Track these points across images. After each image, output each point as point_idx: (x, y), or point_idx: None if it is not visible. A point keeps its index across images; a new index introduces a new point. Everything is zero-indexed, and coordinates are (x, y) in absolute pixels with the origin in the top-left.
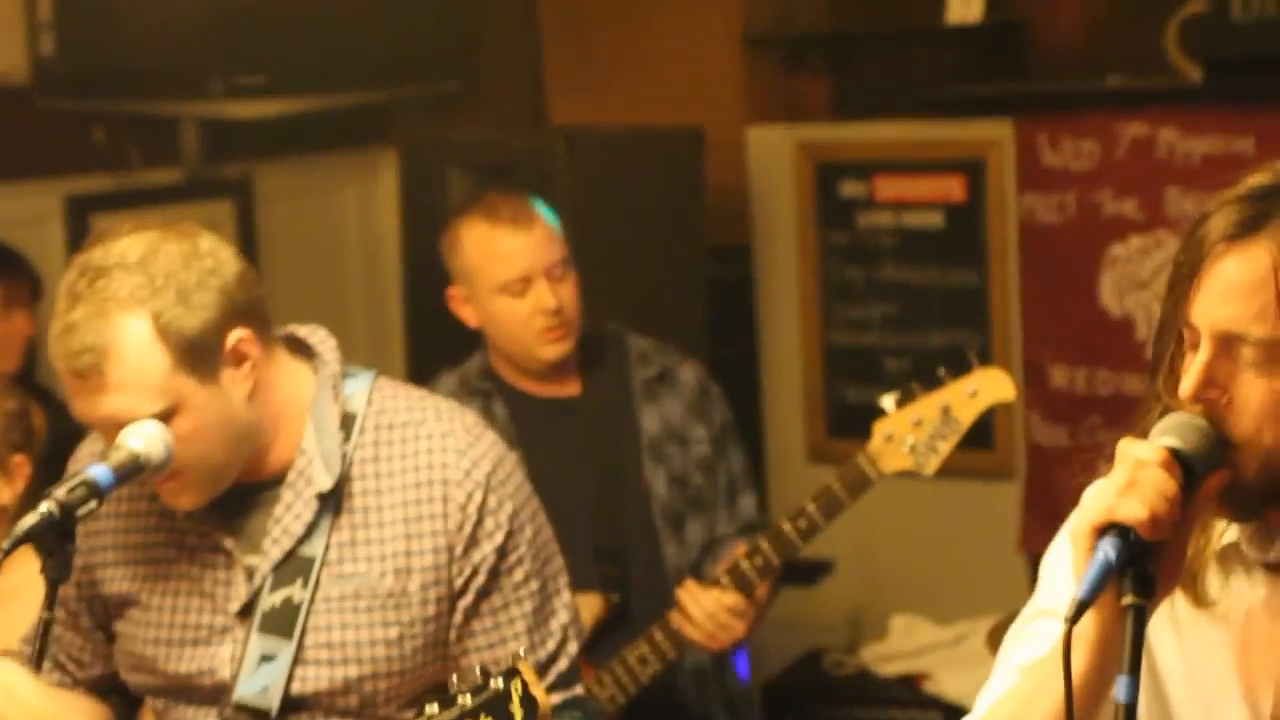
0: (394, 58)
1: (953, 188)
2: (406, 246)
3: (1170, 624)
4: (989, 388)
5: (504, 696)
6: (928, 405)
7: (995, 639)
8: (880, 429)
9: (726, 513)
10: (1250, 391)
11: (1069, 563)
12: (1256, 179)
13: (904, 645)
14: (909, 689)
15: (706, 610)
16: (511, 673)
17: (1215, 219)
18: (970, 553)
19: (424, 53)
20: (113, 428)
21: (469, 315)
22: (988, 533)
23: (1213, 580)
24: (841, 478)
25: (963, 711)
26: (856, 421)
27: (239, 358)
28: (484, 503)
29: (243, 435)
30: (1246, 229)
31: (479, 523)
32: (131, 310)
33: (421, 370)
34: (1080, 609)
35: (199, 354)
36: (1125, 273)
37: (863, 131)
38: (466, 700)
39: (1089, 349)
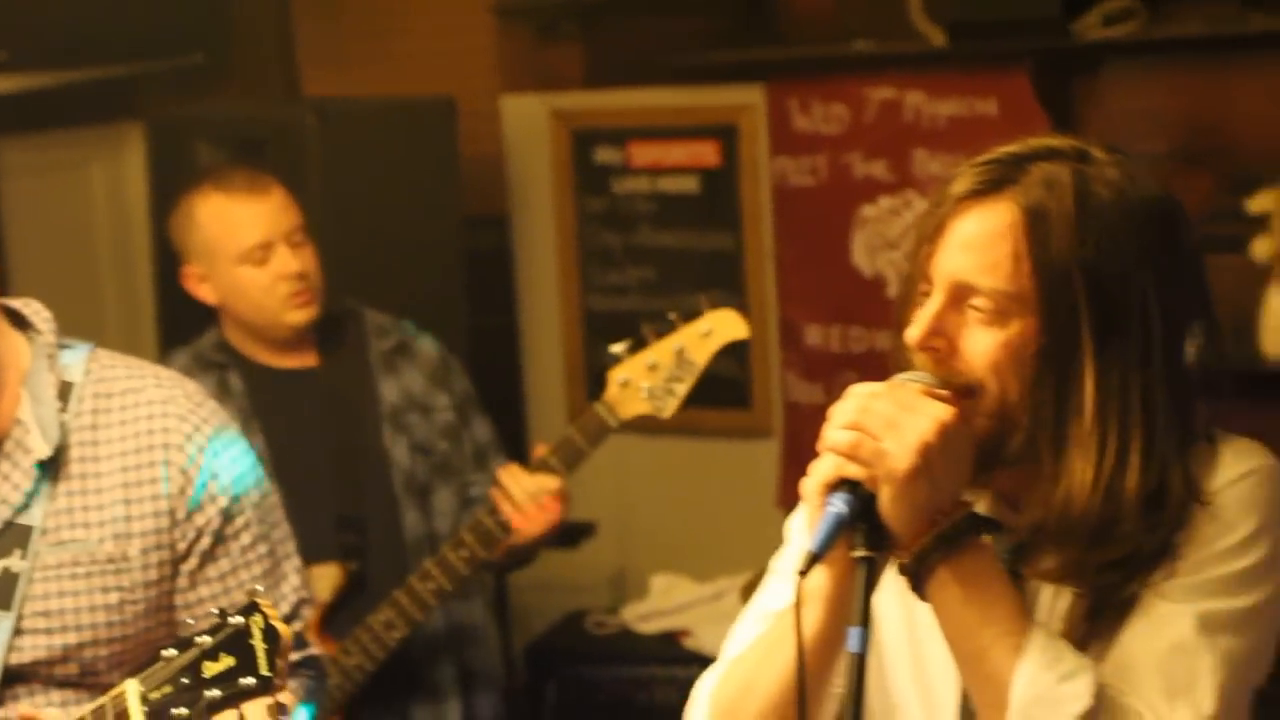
0: (140, 31)
1: (707, 153)
2: (156, 222)
3: (898, 601)
4: (722, 327)
5: (244, 632)
6: (661, 349)
7: (749, 594)
8: (615, 376)
9: (480, 476)
10: (978, 343)
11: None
12: (1007, 147)
13: (664, 603)
14: (670, 645)
15: (529, 490)
16: (251, 608)
17: (961, 179)
18: (730, 511)
19: (171, 25)
20: None
21: (207, 293)
22: (747, 491)
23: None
24: (580, 427)
25: None
26: (609, 363)
27: None
28: (206, 467)
29: None
30: (990, 188)
31: (201, 487)
32: None
33: (173, 347)
34: (812, 560)
35: None
36: (876, 233)
37: (616, 99)
38: (205, 640)
39: (842, 308)
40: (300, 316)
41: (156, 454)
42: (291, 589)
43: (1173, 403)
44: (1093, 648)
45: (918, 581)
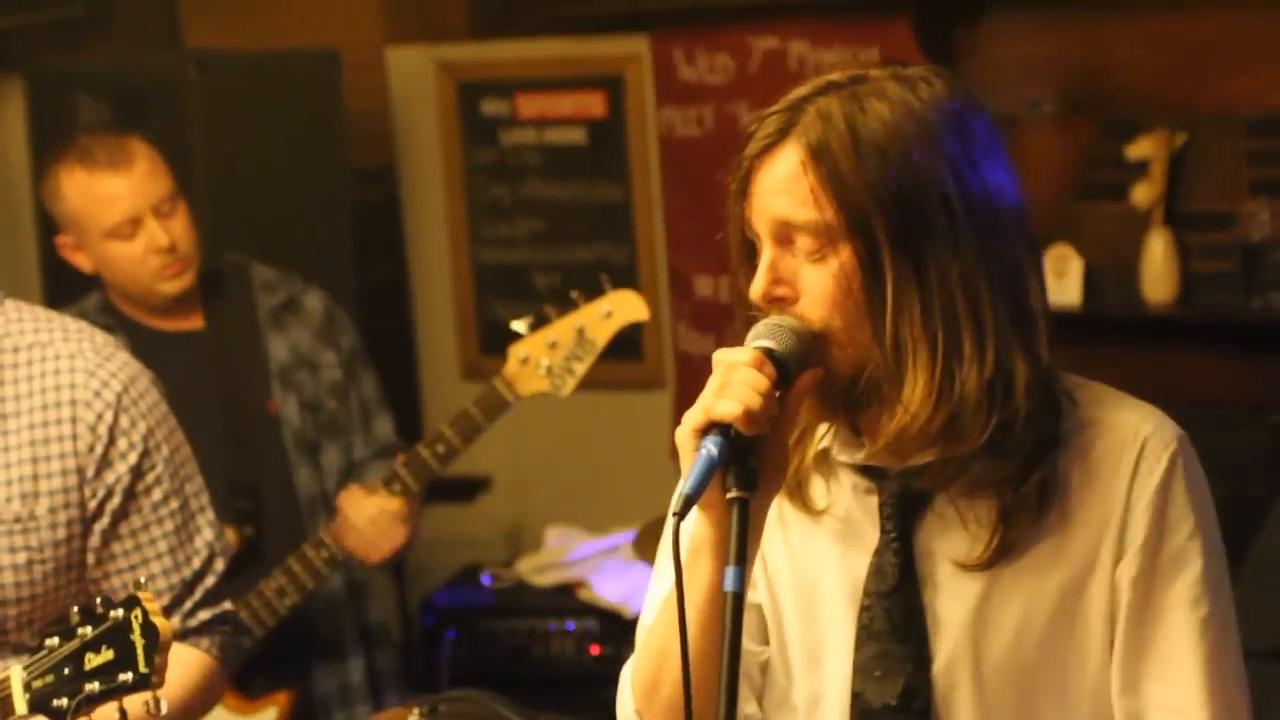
0: None
1: (593, 104)
2: (37, 176)
3: (779, 527)
4: (622, 308)
5: (124, 626)
6: (562, 328)
7: (642, 544)
8: (515, 352)
9: (363, 436)
10: (812, 281)
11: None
12: (787, 95)
13: (559, 555)
14: (565, 597)
15: (369, 515)
16: (131, 601)
17: (755, 137)
18: (623, 462)
19: None
20: None
21: (82, 261)
22: (640, 442)
23: (817, 486)
24: (479, 402)
25: (617, 616)
26: (508, 338)
27: None
28: (115, 423)
29: None
30: (777, 138)
31: (111, 443)
32: None
33: (59, 305)
34: (687, 503)
35: None
36: None
37: (502, 50)
38: (86, 631)
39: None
40: (173, 287)
41: (64, 410)
42: (204, 544)
43: (1000, 289)
44: (1020, 552)
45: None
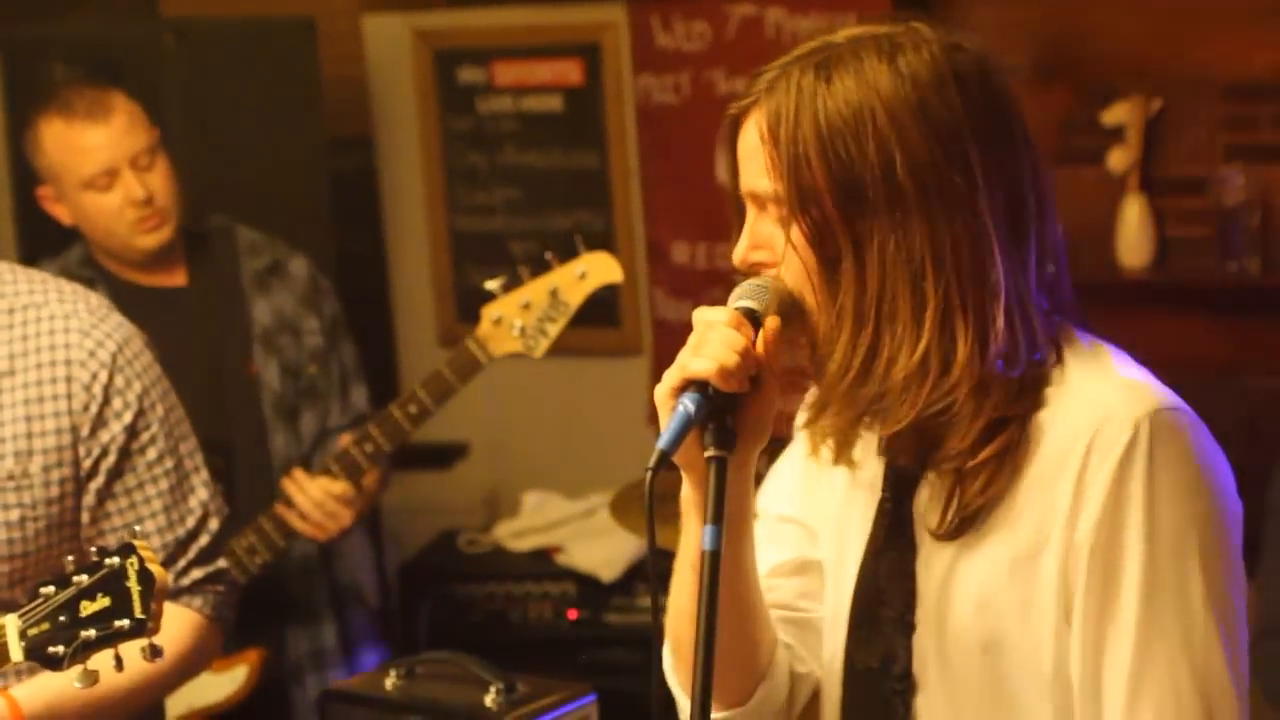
0: None
1: (570, 71)
2: (11, 144)
3: (829, 487)
4: (596, 270)
5: (120, 573)
6: (536, 288)
7: (618, 509)
8: (489, 313)
9: (339, 405)
10: (782, 247)
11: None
12: (793, 52)
13: (536, 520)
14: (542, 562)
15: (314, 499)
16: (127, 549)
17: (740, 101)
18: (601, 428)
19: None
20: None
21: (62, 213)
22: (617, 408)
23: (861, 444)
24: (451, 363)
25: (593, 580)
26: (484, 301)
27: None
28: (110, 382)
29: None
30: (751, 103)
31: (106, 403)
32: None
33: (34, 261)
34: (661, 457)
35: None
36: None
37: (478, 18)
38: (82, 579)
39: (708, 225)
40: (151, 240)
41: (59, 370)
42: (199, 503)
43: (952, 268)
44: (984, 523)
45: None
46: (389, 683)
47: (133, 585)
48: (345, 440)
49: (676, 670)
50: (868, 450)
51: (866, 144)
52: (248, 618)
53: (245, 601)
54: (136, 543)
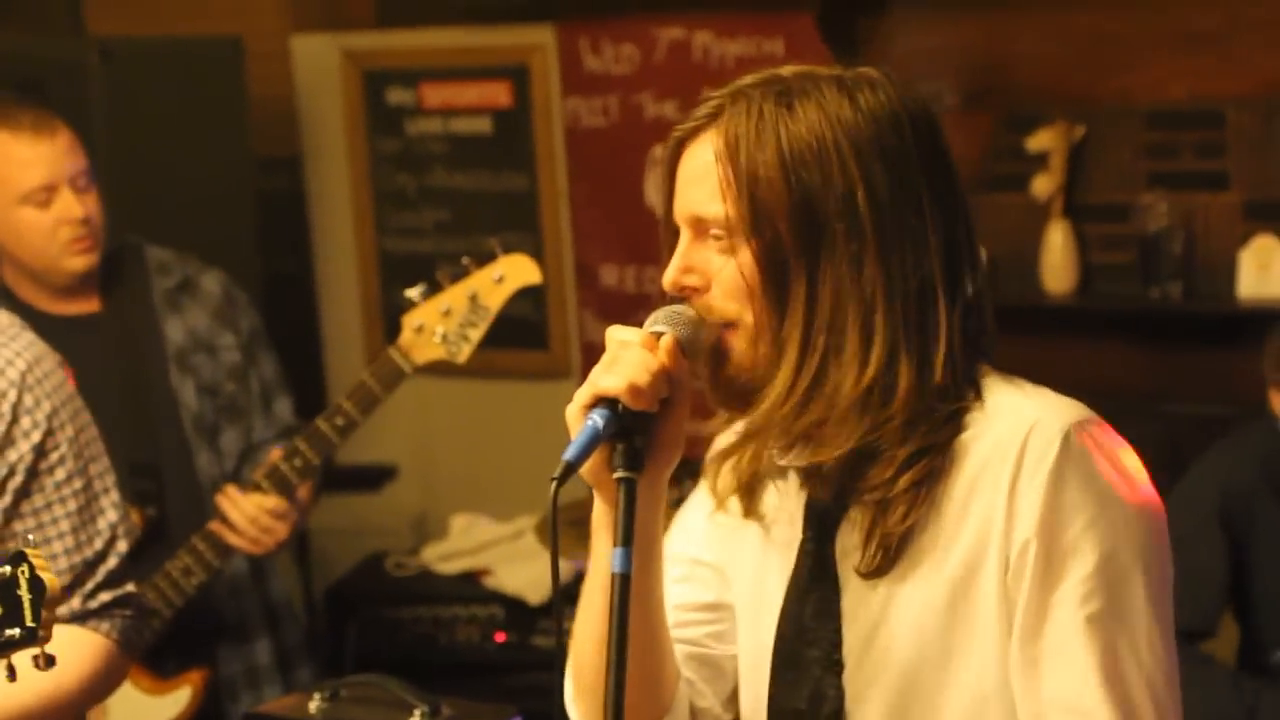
0: None
1: (499, 93)
2: None
3: (743, 529)
4: (514, 272)
5: (11, 582)
6: (455, 294)
7: (545, 532)
8: (410, 321)
9: (263, 419)
10: (723, 273)
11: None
12: (740, 80)
13: (464, 543)
14: (470, 584)
15: (248, 515)
16: (19, 557)
17: (685, 124)
18: (529, 451)
19: None
20: None
21: None
22: (545, 431)
23: (769, 492)
24: (375, 372)
25: (520, 603)
26: (404, 309)
27: None
28: (19, 401)
29: None
30: (704, 123)
31: (14, 421)
32: None
33: None
34: (567, 470)
35: None
36: None
37: (408, 39)
38: None
39: (636, 248)
40: (80, 263)
41: None
42: (107, 525)
43: (899, 301)
44: (913, 555)
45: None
46: (313, 706)
47: (24, 594)
48: (274, 455)
49: (577, 700)
50: (784, 492)
51: (831, 172)
52: (182, 639)
53: (178, 622)
54: (28, 550)
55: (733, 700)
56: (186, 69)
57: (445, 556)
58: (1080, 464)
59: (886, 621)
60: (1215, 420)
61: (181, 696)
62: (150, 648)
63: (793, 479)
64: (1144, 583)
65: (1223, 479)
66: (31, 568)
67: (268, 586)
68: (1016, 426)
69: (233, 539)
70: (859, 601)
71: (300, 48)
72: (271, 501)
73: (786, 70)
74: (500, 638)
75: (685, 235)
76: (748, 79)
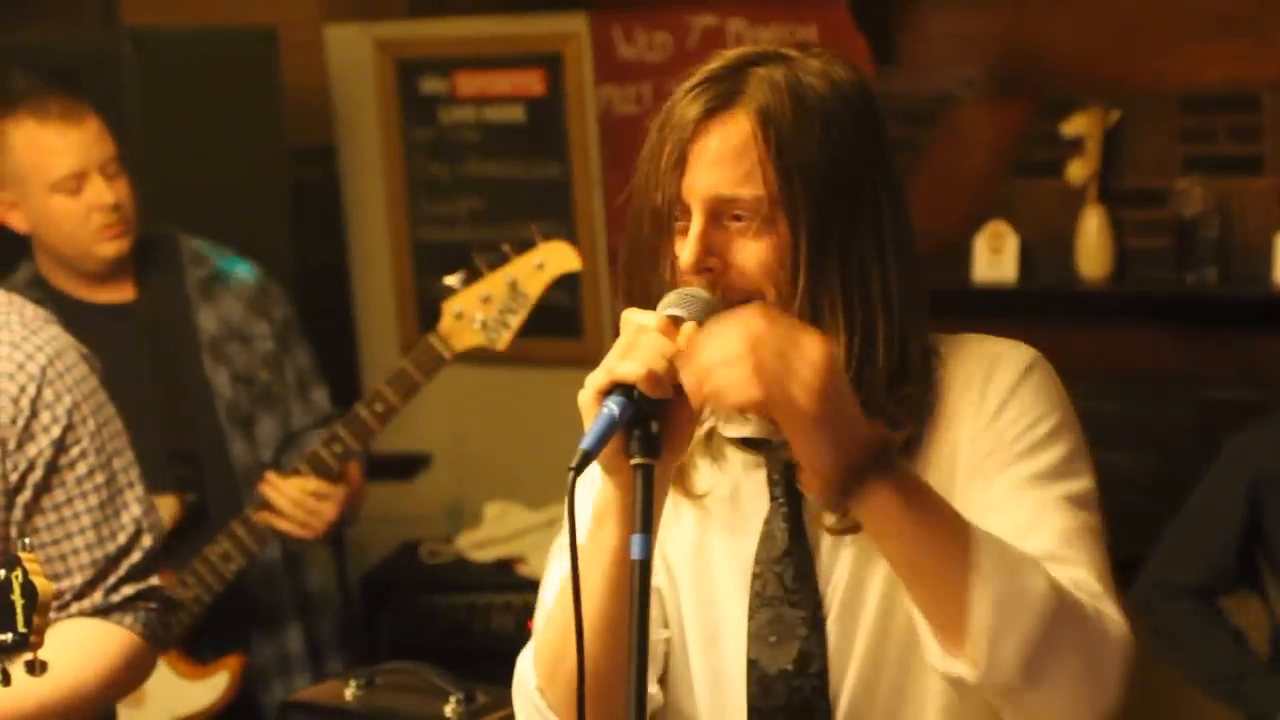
0: None
1: (532, 82)
2: None
3: (675, 510)
4: (554, 259)
5: (4, 586)
6: (495, 281)
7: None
8: (450, 308)
9: (301, 407)
10: (750, 254)
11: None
12: (717, 62)
13: (498, 531)
14: (504, 572)
15: (292, 498)
16: (13, 561)
17: (691, 103)
18: (562, 439)
19: None
20: None
21: (18, 221)
22: (580, 419)
23: (702, 470)
24: (414, 359)
25: None
26: (444, 297)
27: None
28: (38, 396)
29: None
30: (722, 103)
31: (33, 416)
32: None
33: None
34: (584, 459)
35: None
36: None
37: (441, 28)
38: None
39: None
40: (112, 249)
41: None
42: (131, 519)
43: (906, 272)
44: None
45: (846, 507)
46: (349, 693)
47: (16, 599)
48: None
49: (548, 688)
50: (724, 469)
51: (853, 142)
52: (218, 625)
53: (216, 608)
54: (22, 554)
55: (664, 681)
56: (220, 59)
57: (479, 544)
58: (1041, 381)
59: (860, 575)
60: (1251, 405)
61: (219, 682)
62: (188, 633)
63: (732, 453)
64: (1086, 464)
65: (1256, 460)
66: (25, 572)
67: (301, 575)
68: (979, 368)
69: (281, 524)
70: (833, 561)
71: (334, 37)
72: (313, 484)
73: (761, 48)
74: (533, 625)
75: (700, 218)
76: (732, 54)
